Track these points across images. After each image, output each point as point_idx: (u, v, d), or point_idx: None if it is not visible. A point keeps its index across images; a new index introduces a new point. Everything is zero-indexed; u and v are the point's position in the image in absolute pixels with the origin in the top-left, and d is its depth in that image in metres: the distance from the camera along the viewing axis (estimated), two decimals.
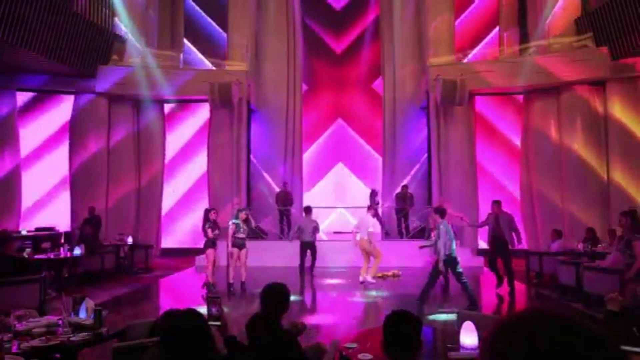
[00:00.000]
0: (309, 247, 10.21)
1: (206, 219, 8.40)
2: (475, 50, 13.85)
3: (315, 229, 10.31)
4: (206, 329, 2.20)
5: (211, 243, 8.30)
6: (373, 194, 12.82)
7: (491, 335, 0.74)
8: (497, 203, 8.37)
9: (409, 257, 11.33)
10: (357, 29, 15.75)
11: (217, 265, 8.41)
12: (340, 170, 15.53)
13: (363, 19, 15.68)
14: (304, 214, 10.56)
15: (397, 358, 2.24)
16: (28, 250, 7.77)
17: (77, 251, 8.61)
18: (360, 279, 9.07)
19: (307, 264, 10.29)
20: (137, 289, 9.02)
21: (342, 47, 15.86)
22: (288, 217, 12.91)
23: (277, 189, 13.54)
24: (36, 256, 8.22)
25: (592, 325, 0.71)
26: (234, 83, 12.30)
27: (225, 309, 6.08)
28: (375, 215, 9.90)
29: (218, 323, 2.77)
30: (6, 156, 11.87)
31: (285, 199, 12.80)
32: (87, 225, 10.38)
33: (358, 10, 15.73)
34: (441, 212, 7.30)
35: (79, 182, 12.13)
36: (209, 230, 8.23)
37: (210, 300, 3.32)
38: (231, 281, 8.43)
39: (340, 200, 14.86)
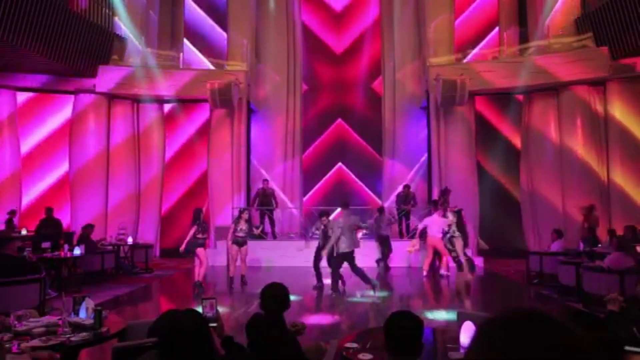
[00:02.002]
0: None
1: (196, 219, 8.49)
2: (475, 50, 13.85)
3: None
4: (206, 329, 2.20)
5: (201, 243, 8.45)
6: (445, 192, 11.74)
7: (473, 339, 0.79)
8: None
9: (410, 256, 11.36)
10: (357, 29, 15.76)
11: (206, 264, 8.59)
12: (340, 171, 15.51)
13: (363, 18, 15.69)
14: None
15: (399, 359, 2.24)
16: (28, 250, 7.78)
17: (77, 251, 8.61)
18: (442, 271, 10.27)
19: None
20: (137, 289, 9.02)
21: (342, 47, 15.86)
22: (271, 216, 12.51)
23: (277, 189, 13.50)
24: (36, 256, 8.22)
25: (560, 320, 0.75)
26: (234, 83, 12.29)
27: (223, 309, 6.11)
28: (444, 215, 10.25)
29: (214, 324, 2.78)
30: (6, 156, 11.87)
31: (265, 198, 12.26)
32: (48, 227, 10.21)
33: (358, 10, 15.75)
34: (324, 213, 8.88)
35: (79, 181, 12.13)
36: (197, 232, 8.38)
37: (205, 301, 3.33)
38: (231, 275, 8.90)
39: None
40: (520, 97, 12.90)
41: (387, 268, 11.07)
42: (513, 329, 0.74)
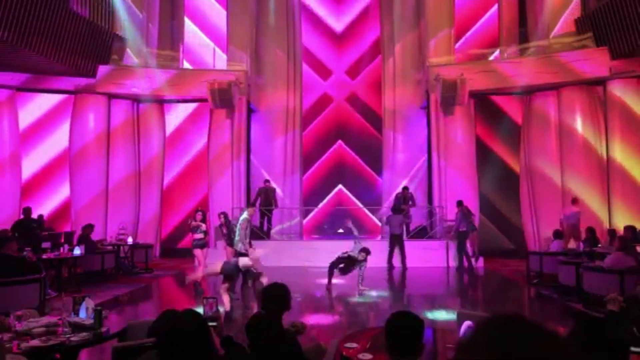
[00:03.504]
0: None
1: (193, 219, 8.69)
2: (474, 50, 13.83)
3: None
4: (205, 329, 2.20)
5: (196, 244, 8.58)
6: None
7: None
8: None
9: (409, 256, 11.37)
10: (358, 28, 15.75)
11: (203, 265, 8.67)
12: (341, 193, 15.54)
13: (363, 18, 15.69)
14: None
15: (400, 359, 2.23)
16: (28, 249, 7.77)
17: (77, 251, 8.61)
18: None
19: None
20: (137, 289, 9.02)
21: (342, 47, 15.86)
22: (269, 217, 12.55)
23: (277, 189, 13.49)
24: (36, 256, 8.21)
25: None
26: (234, 83, 12.29)
27: (222, 309, 6.11)
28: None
29: (214, 324, 2.78)
30: (6, 156, 11.87)
31: (268, 198, 12.36)
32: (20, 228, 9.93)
33: (358, 10, 15.77)
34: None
35: (79, 181, 12.12)
36: (190, 232, 8.74)
37: (205, 301, 3.34)
38: None
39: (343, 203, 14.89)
40: (520, 97, 12.90)
41: (404, 268, 11.10)
42: (513, 330, 0.74)
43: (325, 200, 15.21)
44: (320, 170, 15.53)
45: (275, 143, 14.44)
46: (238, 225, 7.73)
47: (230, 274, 6.82)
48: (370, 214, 14.82)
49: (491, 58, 13.27)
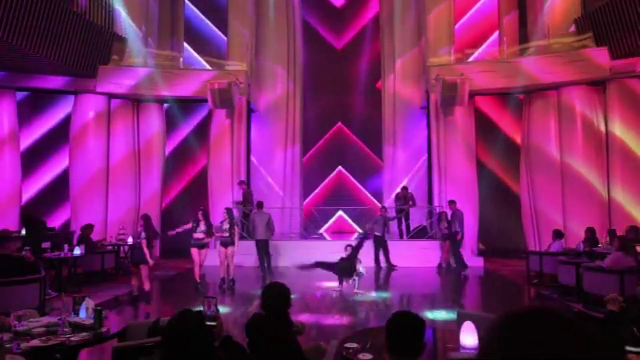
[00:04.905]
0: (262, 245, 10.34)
1: (194, 219, 8.67)
2: (475, 51, 13.84)
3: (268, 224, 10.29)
4: (205, 329, 2.20)
5: (193, 243, 8.60)
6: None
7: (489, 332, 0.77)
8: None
9: (409, 256, 11.37)
10: (357, 28, 15.76)
11: (202, 265, 8.70)
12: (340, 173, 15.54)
13: (363, 18, 15.70)
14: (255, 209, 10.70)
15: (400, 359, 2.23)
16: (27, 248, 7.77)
17: (77, 251, 8.61)
18: None
19: None
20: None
21: (342, 46, 15.86)
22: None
23: (277, 189, 13.46)
24: (35, 256, 8.20)
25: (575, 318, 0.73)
26: (234, 83, 12.28)
27: (223, 309, 6.12)
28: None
29: (214, 323, 2.78)
30: (6, 156, 11.86)
31: (248, 199, 12.15)
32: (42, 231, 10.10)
33: (358, 9, 15.77)
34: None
35: (79, 181, 12.12)
36: (192, 231, 8.66)
37: (205, 301, 3.34)
38: (221, 276, 8.96)
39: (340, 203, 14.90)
40: (520, 97, 12.90)
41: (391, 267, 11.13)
42: (530, 328, 0.72)
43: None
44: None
45: (275, 143, 14.44)
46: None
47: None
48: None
49: (491, 58, 13.26)
